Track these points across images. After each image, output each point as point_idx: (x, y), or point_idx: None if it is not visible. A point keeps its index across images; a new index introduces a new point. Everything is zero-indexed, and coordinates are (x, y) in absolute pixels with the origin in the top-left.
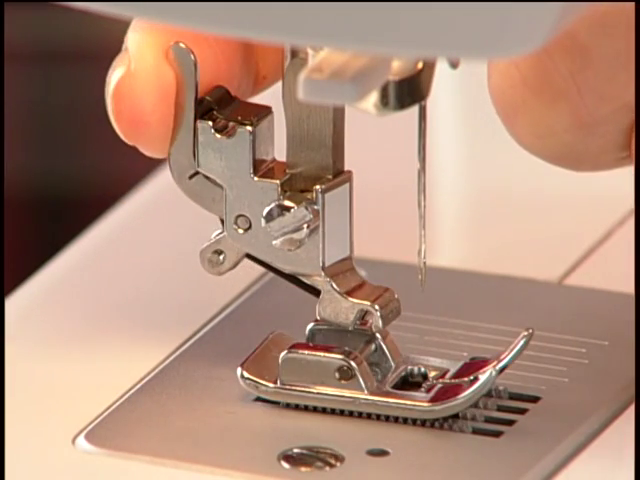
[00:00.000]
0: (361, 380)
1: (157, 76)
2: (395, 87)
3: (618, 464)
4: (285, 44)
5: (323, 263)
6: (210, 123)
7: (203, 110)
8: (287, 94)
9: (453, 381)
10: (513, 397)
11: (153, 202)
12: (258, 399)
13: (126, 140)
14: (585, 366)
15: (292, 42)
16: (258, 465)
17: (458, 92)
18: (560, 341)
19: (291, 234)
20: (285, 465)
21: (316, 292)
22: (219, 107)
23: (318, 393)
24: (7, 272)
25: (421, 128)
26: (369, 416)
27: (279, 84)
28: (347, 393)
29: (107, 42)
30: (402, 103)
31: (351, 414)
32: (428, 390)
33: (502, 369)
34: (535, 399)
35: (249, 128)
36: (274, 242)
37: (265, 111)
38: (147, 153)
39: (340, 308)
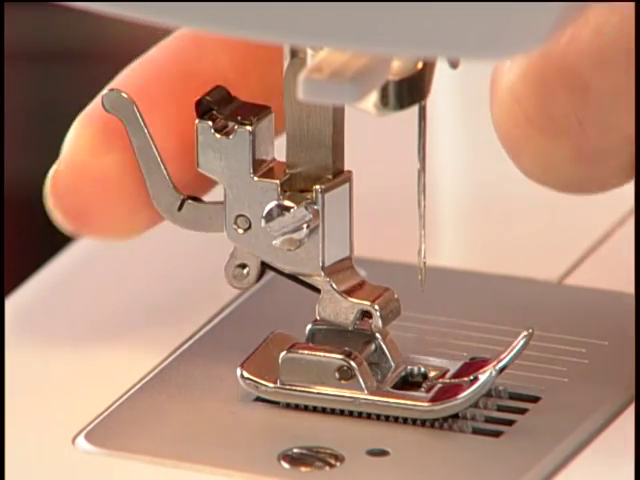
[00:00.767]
0: (361, 380)
1: (90, 166)
2: (395, 87)
3: (618, 464)
4: (285, 44)
5: (323, 263)
6: (210, 123)
7: (203, 110)
8: (287, 94)
9: (453, 381)
10: (513, 397)
11: None
12: (258, 399)
13: (74, 234)
14: (585, 366)
15: (292, 42)
16: (258, 465)
17: (458, 92)
18: (560, 341)
19: (291, 234)
20: (285, 465)
21: (317, 290)
22: (219, 107)
23: (318, 393)
24: (7, 272)
25: (421, 128)
26: (369, 416)
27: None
28: (347, 393)
29: (107, 42)
30: (402, 103)
31: (351, 414)
32: (428, 390)
33: (502, 369)
34: (535, 399)
35: (249, 128)
36: (274, 242)
37: (265, 111)
38: (103, 240)
39: (340, 308)
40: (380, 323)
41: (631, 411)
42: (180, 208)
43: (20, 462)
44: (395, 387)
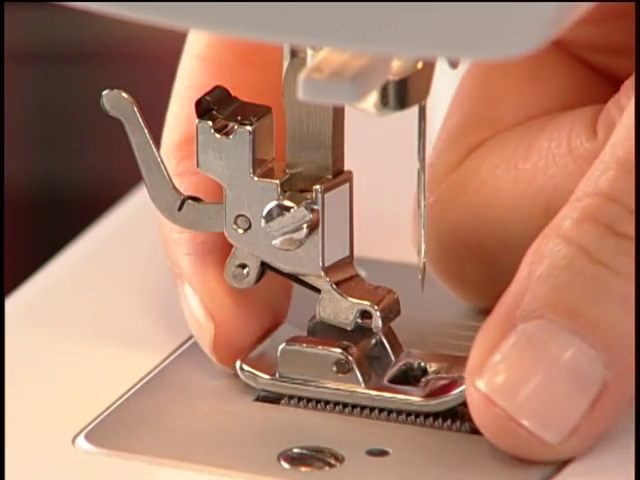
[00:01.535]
0: (358, 374)
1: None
2: (395, 87)
3: (618, 464)
4: (285, 44)
5: (323, 263)
6: (210, 123)
7: (203, 110)
8: (287, 94)
9: (450, 376)
10: None
11: None
12: (258, 399)
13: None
14: None
15: (292, 42)
16: (258, 465)
17: None
18: None
19: (291, 234)
20: (285, 465)
21: (317, 290)
22: (219, 107)
23: (315, 386)
24: (7, 272)
25: (421, 128)
26: (362, 410)
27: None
28: (344, 387)
29: (107, 42)
30: (402, 103)
31: (349, 411)
32: (425, 385)
33: None
34: None
35: (249, 128)
36: (274, 242)
37: (265, 111)
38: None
39: (340, 308)
40: (380, 323)
41: (631, 411)
42: (180, 208)
43: (20, 462)
44: (394, 381)
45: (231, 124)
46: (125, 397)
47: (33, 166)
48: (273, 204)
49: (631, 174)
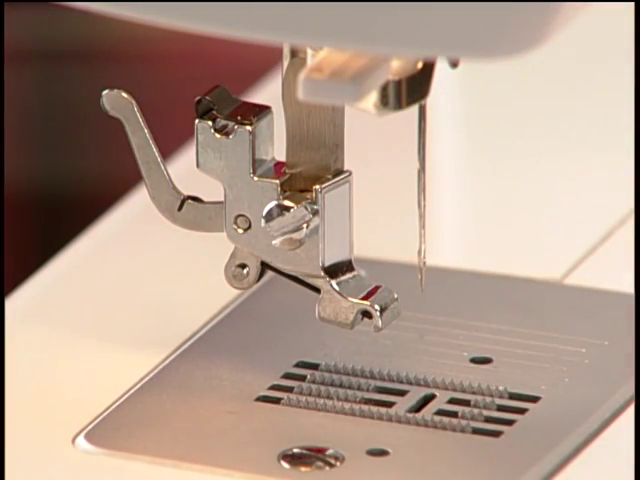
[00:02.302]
0: None
1: None
2: (395, 87)
3: (618, 464)
4: (285, 44)
5: (323, 263)
6: (210, 123)
7: (203, 110)
8: (287, 94)
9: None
10: (513, 397)
11: None
12: (258, 399)
13: None
14: (585, 366)
15: (292, 42)
16: (258, 465)
17: (458, 92)
18: (560, 341)
19: (291, 234)
20: (285, 465)
21: (317, 290)
22: (219, 107)
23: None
24: (7, 272)
25: (421, 128)
26: (363, 410)
27: (279, 84)
28: None
29: (107, 42)
30: (402, 103)
31: (349, 411)
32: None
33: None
34: (535, 399)
35: (249, 128)
36: (274, 242)
37: (265, 111)
38: None
39: (340, 308)
40: (380, 323)
41: (631, 411)
42: (180, 208)
43: (20, 462)
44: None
45: (231, 124)
46: (125, 397)
47: (33, 166)
48: (273, 204)
49: None
